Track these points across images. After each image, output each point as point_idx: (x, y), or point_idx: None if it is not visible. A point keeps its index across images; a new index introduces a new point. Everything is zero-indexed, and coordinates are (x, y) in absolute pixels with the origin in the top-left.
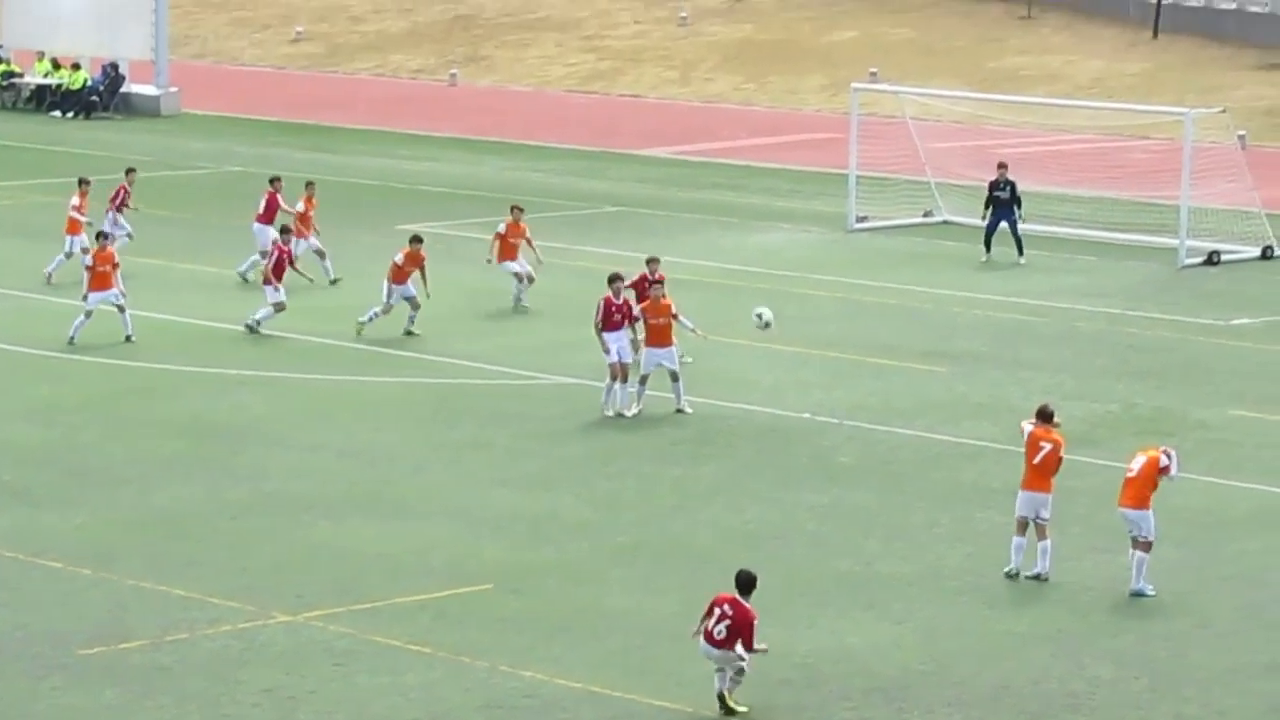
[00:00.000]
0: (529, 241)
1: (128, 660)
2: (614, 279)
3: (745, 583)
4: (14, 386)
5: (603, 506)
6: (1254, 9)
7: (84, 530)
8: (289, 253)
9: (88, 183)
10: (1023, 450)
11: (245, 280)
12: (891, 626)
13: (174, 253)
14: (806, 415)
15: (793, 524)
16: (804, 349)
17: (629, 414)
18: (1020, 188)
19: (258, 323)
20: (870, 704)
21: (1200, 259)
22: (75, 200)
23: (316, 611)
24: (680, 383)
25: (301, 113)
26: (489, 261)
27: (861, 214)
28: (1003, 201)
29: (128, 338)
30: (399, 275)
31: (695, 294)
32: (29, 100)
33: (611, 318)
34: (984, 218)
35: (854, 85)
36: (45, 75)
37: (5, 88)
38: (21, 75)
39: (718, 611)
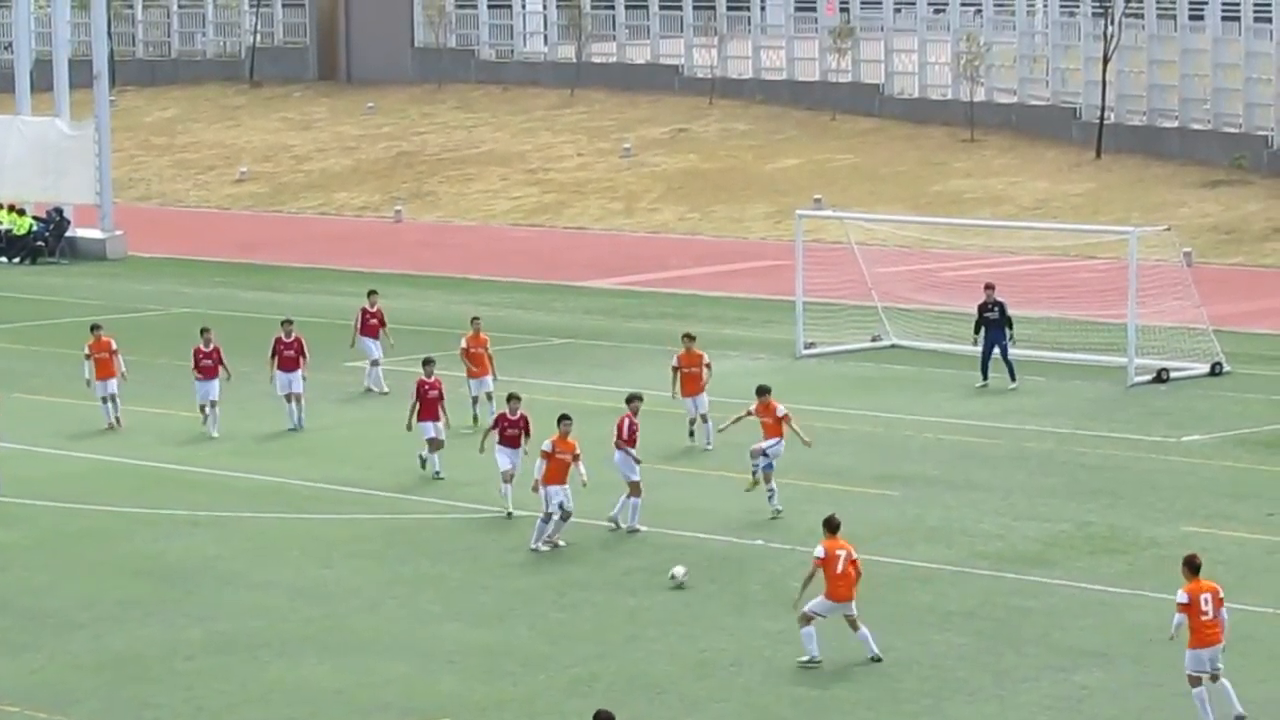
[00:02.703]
0: (489, 357)
1: None
2: (631, 399)
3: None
4: None
5: (558, 638)
6: (1196, 127)
7: (40, 674)
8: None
9: (99, 327)
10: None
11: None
12: None
13: (124, 396)
14: (760, 542)
15: (749, 651)
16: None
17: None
18: (964, 308)
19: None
20: None
21: (1149, 376)
22: (94, 350)
23: None
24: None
25: (247, 252)
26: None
27: (809, 340)
28: (993, 323)
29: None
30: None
31: (647, 422)
32: None
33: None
34: (975, 342)
35: (798, 212)
36: None
37: None
38: None
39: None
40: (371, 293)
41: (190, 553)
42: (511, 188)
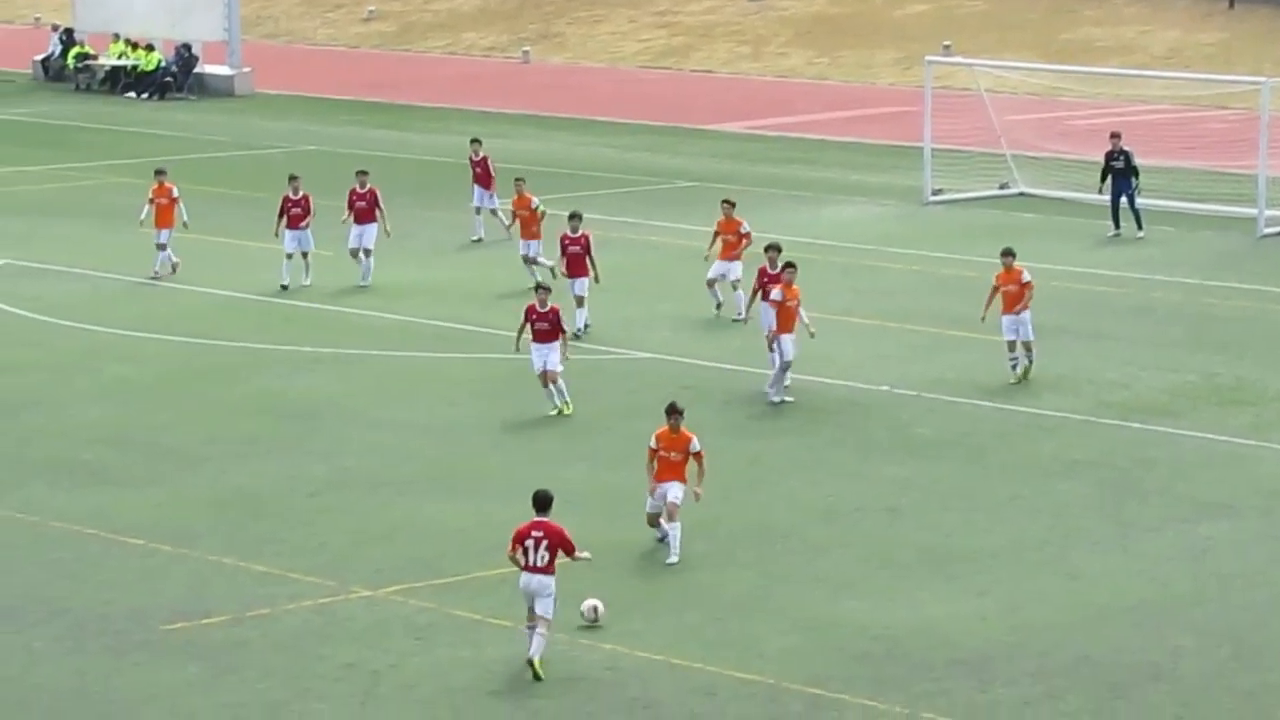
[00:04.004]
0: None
1: (209, 636)
2: (770, 248)
3: (542, 502)
4: (91, 366)
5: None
6: None
7: (163, 509)
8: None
9: (163, 172)
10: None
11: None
12: (972, 599)
13: (250, 232)
14: (885, 388)
15: (872, 498)
16: (881, 323)
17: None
18: (1094, 157)
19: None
20: (952, 676)
21: (1279, 228)
22: (156, 195)
23: (396, 586)
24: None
25: (374, 92)
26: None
27: (937, 187)
28: (1119, 171)
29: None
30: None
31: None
32: (103, 82)
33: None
34: (1100, 190)
35: (927, 59)
36: (119, 57)
37: (80, 70)
38: (96, 58)
39: (529, 543)
40: (474, 141)
41: (313, 390)
42: (640, 30)
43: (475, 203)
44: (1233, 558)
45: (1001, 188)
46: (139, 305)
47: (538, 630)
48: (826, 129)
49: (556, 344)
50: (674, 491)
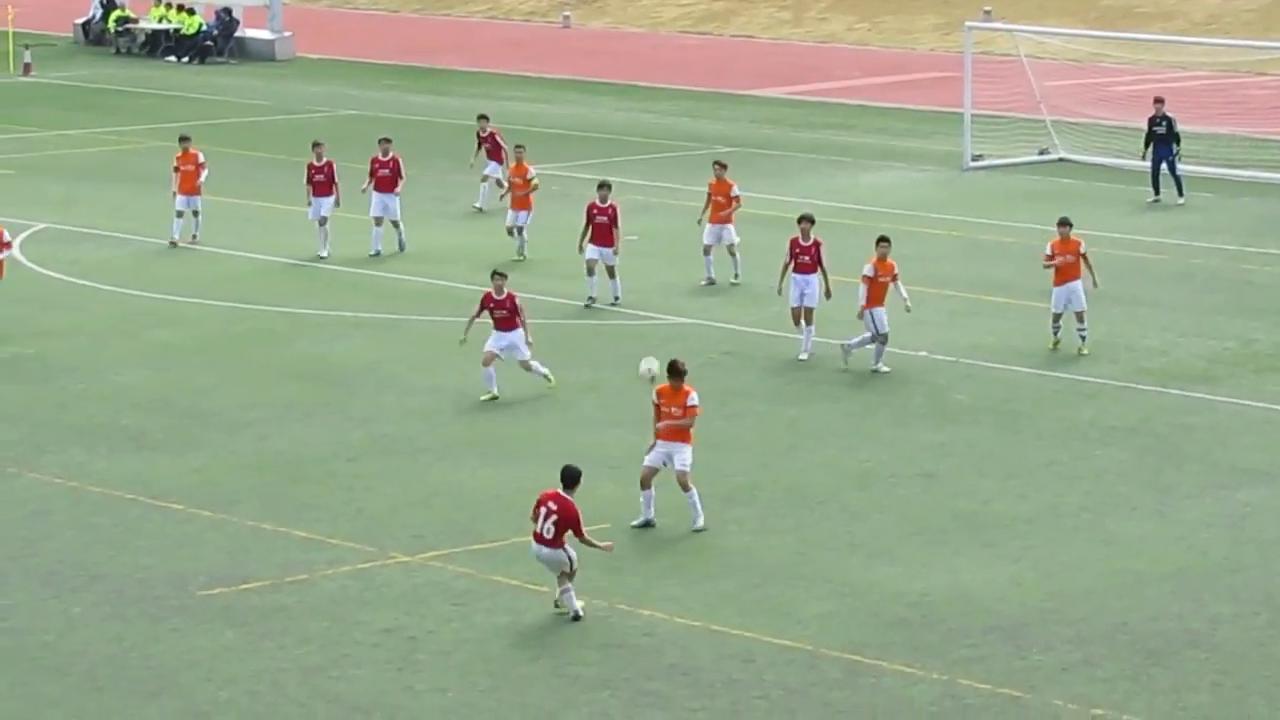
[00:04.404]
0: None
1: (248, 601)
2: (803, 219)
3: (569, 478)
4: (131, 331)
5: (719, 447)
6: None
7: (202, 474)
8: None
9: (188, 139)
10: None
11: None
12: (1009, 565)
13: (292, 196)
14: (923, 354)
15: (908, 463)
16: (920, 288)
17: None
18: (1135, 124)
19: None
20: (989, 642)
21: None
22: (181, 162)
23: (434, 552)
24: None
25: (415, 56)
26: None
27: (977, 153)
28: (1160, 138)
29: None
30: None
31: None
32: (144, 46)
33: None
34: (1144, 156)
35: (968, 24)
36: (160, 21)
37: (121, 33)
38: (136, 21)
39: (544, 510)
40: (481, 117)
41: (353, 355)
42: None
43: (486, 172)
44: (1271, 524)
45: (1041, 153)
46: (179, 269)
47: (568, 590)
48: (866, 94)
49: (518, 332)
50: (680, 458)
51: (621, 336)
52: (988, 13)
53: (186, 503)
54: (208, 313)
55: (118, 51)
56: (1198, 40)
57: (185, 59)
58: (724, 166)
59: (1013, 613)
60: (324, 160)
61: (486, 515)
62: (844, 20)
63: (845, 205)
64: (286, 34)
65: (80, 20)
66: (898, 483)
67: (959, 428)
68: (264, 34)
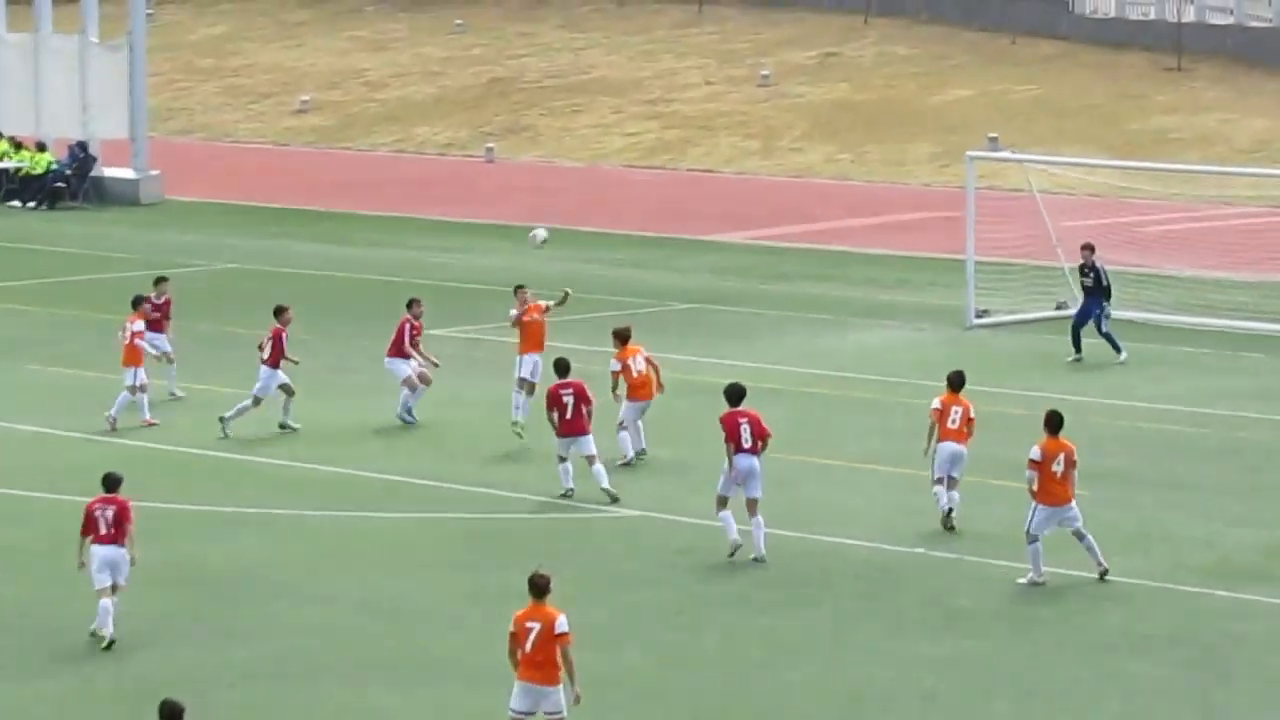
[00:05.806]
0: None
1: None
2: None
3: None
4: None
5: (678, 665)
6: None
7: (52, 704)
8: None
9: (146, 298)
10: None
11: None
12: None
13: (157, 369)
14: (920, 550)
15: (906, 681)
16: (915, 471)
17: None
18: (1169, 270)
19: None
20: None
21: None
22: (133, 324)
23: None
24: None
25: (307, 198)
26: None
27: (982, 308)
28: (1089, 290)
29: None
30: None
31: (782, 406)
32: None
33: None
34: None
35: (970, 154)
36: (3, 158)
37: None
38: None
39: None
40: (413, 302)
41: (235, 558)
42: (626, 122)
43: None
44: None
45: (1058, 308)
46: (22, 456)
47: None
48: (850, 239)
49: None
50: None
51: (565, 534)
52: (993, 140)
53: None
54: (57, 508)
55: None
56: (1242, 170)
57: (33, 203)
58: (524, 287)
59: None
60: (163, 298)
61: None
62: (822, 150)
63: (826, 372)
64: (153, 173)
65: None
66: (894, 706)
67: (963, 639)
68: (126, 173)
